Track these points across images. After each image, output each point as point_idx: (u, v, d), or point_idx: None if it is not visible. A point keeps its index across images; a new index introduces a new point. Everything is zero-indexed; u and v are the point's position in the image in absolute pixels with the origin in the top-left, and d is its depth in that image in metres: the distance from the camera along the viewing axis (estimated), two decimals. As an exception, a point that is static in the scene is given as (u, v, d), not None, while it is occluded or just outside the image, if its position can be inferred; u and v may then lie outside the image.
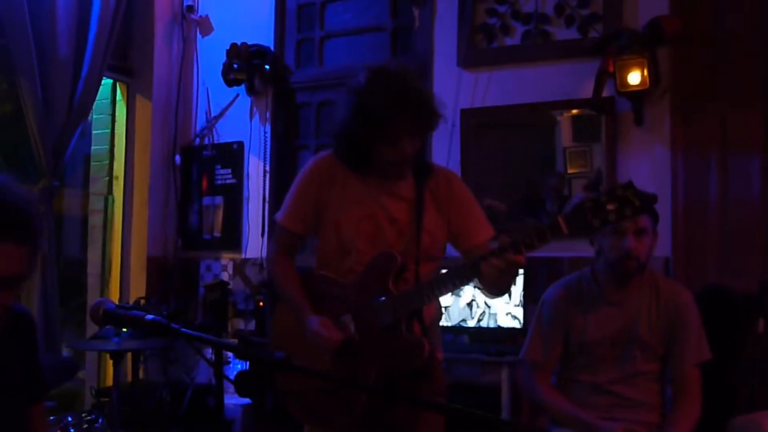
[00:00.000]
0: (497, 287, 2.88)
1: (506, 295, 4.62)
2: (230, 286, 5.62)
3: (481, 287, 2.96)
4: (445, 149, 5.12)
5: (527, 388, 3.42)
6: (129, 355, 5.21)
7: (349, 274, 2.88)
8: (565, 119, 4.92)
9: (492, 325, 4.69)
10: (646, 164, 4.70)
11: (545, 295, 3.45)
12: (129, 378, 5.31)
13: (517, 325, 4.63)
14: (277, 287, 3.06)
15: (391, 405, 2.69)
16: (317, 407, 2.82)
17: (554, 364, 3.37)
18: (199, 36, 6.09)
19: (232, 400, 4.88)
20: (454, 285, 2.73)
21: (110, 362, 4.41)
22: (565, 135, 4.89)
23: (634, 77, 4.55)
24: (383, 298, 2.76)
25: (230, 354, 4.87)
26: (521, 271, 4.56)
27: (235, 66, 5.64)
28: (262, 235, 5.65)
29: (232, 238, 5.82)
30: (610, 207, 2.45)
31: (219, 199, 5.91)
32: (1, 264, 2.01)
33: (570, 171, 4.92)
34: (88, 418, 4.37)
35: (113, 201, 5.83)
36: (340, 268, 2.90)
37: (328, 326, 2.78)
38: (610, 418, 3.21)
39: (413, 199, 2.89)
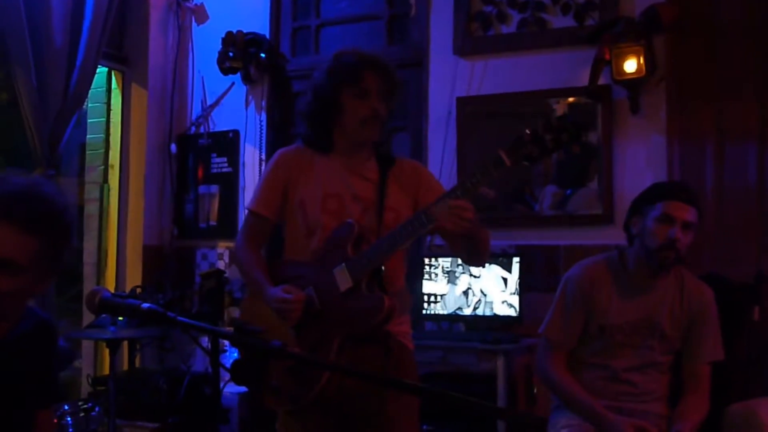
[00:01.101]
0: (465, 247, 2.89)
1: (503, 283, 4.63)
2: (226, 275, 5.61)
3: (453, 251, 3.01)
4: (441, 137, 5.12)
5: (541, 365, 3.40)
6: (125, 343, 5.22)
7: (315, 254, 2.92)
8: (561, 107, 4.91)
9: (488, 313, 4.69)
10: (642, 152, 4.70)
11: (570, 273, 3.42)
12: (125, 366, 5.32)
13: (513, 313, 4.63)
14: (242, 274, 3.13)
15: (356, 383, 2.70)
16: (283, 387, 2.83)
17: (571, 344, 3.34)
18: (194, 24, 6.06)
19: (229, 388, 4.89)
20: (408, 234, 2.74)
21: (107, 351, 4.41)
22: (561, 123, 4.88)
23: (630, 65, 4.55)
24: (342, 264, 2.80)
25: (226, 342, 4.88)
26: (517, 259, 4.61)
27: (231, 54, 5.63)
28: (258, 223, 5.64)
29: (228, 226, 5.81)
30: (548, 137, 2.56)
31: (215, 188, 5.91)
32: None
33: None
34: (85, 406, 4.37)
35: (109, 190, 5.82)
36: (307, 249, 2.94)
37: (290, 290, 2.82)
38: (618, 406, 3.22)
39: (377, 181, 2.96)
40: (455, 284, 4.76)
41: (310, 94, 3.01)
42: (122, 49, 5.88)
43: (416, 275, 4.74)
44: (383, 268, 2.83)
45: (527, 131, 2.60)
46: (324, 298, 2.83)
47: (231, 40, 5.63)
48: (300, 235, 2.96)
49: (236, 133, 5.84)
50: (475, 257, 2.98)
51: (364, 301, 2.77)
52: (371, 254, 2.78)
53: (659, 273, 3.26)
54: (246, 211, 3.11)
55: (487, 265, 4.64)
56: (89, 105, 5.76)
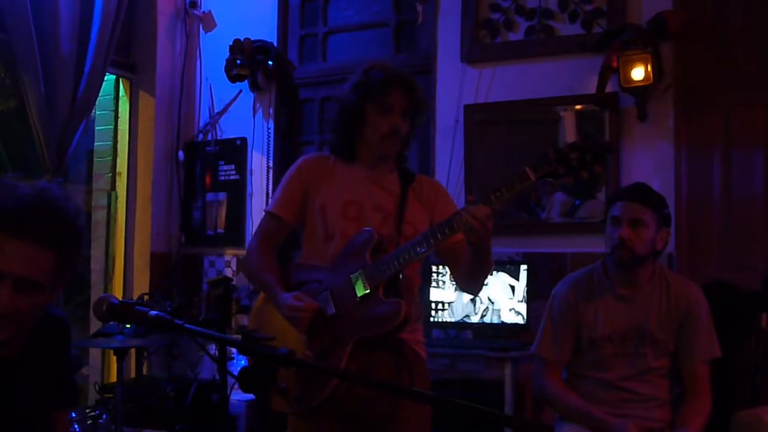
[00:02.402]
0: (468, 264, 2.88)
1: (510, 291, 4.63)
2: (234, 282, 5.62)
3: (453, 271, 3.05)
4: (448, 145, 5.12)
5: (537, 383, 3.40)
6: (133, 351, 5.22)
7: (333, 259, 2.93)
8: (568, 115, 4.91)
9: (495, 320, 4.69)
10: (650, 160, 4.69)
11: (556, 289, 3.43)
12: (133, 374, 5.32)
13: (520, 321, 4.63)
14: (254, 276, 3.13)
15: (367, 389, 2.71)
16: (290, 389, 2.82)
17: (566, 359, 3.35)
18: (201, 31, 6.08)
19: (236, 395, 4.89)
20: (428, 244, 2.74)
21: (114, 358, 4.41)
22: (568, 130, 4.88)
23: (638, 73, 4.55)
24: (359, 270, 2.81)
25: (234, 350, 4.88)
26: (524, 267, 4.60)
27: (238, 62, 5.64)
28: (266, 230, 5.64)
29: (236, 233, 5.82)
30: (573, 155, 2.61)
31: (222, 195, 5.92)
32: (14, 263, 1.94)
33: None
34: (92, 414, 4.38)
35: (116, 197, 5.83)
36: (325, 254, 2.95)
37: (301, 298, 2.83)
38: (621, 413, 3.20)
39: (398, 193, 2.99)
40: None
41: (338, 104, 3.07)
42: (130, 57, 5.90)
43: (424, 283, 4.73)
44: (401, 276, 2.84)
45: (552, 149, 2.61)
46: (340, 302, 2.84)
47: (238, 47, 5.64)
48: (318, 240, 2.97)
49: (244, 140, 5.85)
50: (476, 277, 2.97)
51: (382, 306, 2.78)
52: (389, 262, 2.79)
53: (630, 275, 3.26)
54: (264, 213, 3.11)
55: (494, 272, 4.63)
56: (97, 112, 5.78)
